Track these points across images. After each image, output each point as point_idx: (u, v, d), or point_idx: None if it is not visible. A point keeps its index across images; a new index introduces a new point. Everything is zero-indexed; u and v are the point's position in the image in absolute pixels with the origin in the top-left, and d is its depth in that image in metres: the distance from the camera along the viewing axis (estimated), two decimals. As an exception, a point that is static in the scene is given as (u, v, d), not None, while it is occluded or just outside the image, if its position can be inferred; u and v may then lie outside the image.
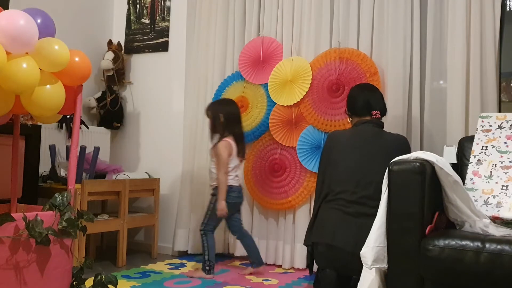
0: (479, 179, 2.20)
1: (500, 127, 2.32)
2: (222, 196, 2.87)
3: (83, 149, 2.92)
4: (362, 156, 2.41)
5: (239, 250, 3.33)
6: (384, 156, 2.22)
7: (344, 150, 2.47)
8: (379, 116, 2.55)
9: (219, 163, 2.88)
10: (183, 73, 3.68)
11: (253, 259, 3.00)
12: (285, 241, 3.17)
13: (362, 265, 1.97)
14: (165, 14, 3.79)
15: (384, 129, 2.55)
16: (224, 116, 2.95)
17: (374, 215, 1.99)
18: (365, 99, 2.55)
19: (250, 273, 2.97)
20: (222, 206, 2.87)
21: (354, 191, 2.35)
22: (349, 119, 2.64)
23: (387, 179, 1.95)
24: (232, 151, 2.92)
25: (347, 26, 3.09)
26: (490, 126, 2.35)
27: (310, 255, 2.48)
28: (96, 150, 3.04)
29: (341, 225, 2.32)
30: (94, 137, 3.53)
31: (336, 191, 2.40)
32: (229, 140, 2.92)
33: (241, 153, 2.98)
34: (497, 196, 2.11)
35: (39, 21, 1.85)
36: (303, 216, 3.11)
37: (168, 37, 3.77)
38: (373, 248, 1.93)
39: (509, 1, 2.79)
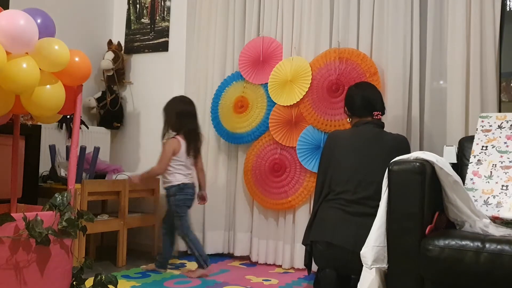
0: (479, 179, 2.20)
1: (500, 127, 2.32)
2: (144, 174, 3.03)
3: (83, 149, 2.92)
4: (363, 157, 2.41)
5: (239, 250, 3.34)
6: (385, 157, 2.22)
7: (345, 150, 2.46)
8: (380, 116, 2.55)
9: (160, 157, 2.96)
10: (183, 73, 3.68)
11: (163, 258, 3.04)
12: (285, 241, 3.17)
13: (362, 265, 1.97)
14: (165, 14, 3.79)
15: (384, 129, 2.55)
16: (176, 114, 2.99)
17: (374, 215, 1.99)
18: (365, 100, 2.55)
19: (152, 269, 3.03)
20: (136, 179, 3.03)
21: (355, 191, 2.35)
22: (349, 119, 2.64)
23: (387, 179, 1.95)
24: (179, 149, 2.95)
25: (347, 26, 3.09)
26: (490, 126, 2.35)
27: (309, 254, 2.48)
28: (96, 150, 3.04)
29: (341, 224, 2.32)
30: (94, 137, 3.53)
31: (336, 191, 2.40)
32: (179, 138, 2.96)
33: (191, 151, 2.98)
34: (497, 196, 2.12)
35: (39, 21, 1.84)
36: (303, 216, 3.11)
37: (168, 37, 3.77)
38: (373, 248, 1.93)
39: (509, 1, 2.79)
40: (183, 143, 2.96)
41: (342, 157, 2.45)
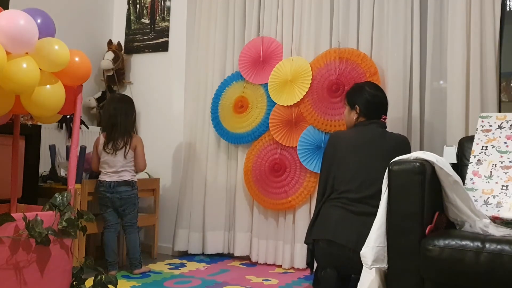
0: (479, 179, 2.20)
1: (500, 127, 2.32)
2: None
3: (83, 149, 2.92)
4: (366, 157, 2.41)
5: (239, 250, 3.34)
6: (387, 157, 2.20)
7: (348, 150, 2.47)
8: (386, 119, 2.56)
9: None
10: (183, 73, 3.68)
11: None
12: (285, 241, 3.16)
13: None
14: (165, 14, 3.79)
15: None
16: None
17: (376, 214, 1.99)
18: (379, 104, 2.55)
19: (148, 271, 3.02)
20: None
21: (357, 190, 2.36)
22: (349, 114, 2.60)
23: (387, 179, 1.95)
24: (98, 145, 2.98)
25: (347, 26, 3.09)
26: (490, 126, 2.35)
27: (311, 253, 2.48)
28: (96, 150, 3.04)
29: (343, 222, 2.32)
30: (94, 137, 3.51)
31: (339, 190, 2.41)
32: (101, 136, 3.02)
33: (107, 145, 2.93)
34: (497, 196, 2.11)
35: (39, 21, 1.85)
36: (303, 216, 3.11)
37: (168, 37, 3.77)
38: (373, 248, 1.93)
39: (509, 1, 2.79)
40: (101, 139, 2.97)
41: (345, 157, 2.45)
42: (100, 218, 2.98)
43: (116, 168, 2.92)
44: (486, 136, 2.33)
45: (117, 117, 2.93)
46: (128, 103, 3.06)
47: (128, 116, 2.98)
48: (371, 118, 2.53)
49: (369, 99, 2.57)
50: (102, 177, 2.93)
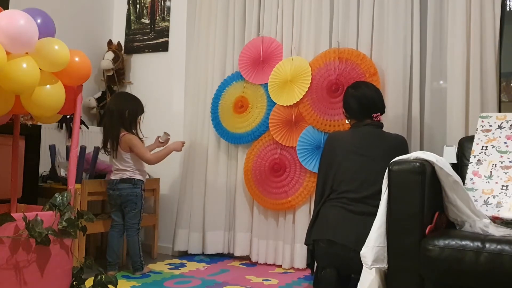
0: (479, 179, 2.21)
1: (500, 127, 2.32)
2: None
3: (83, 149, 2.92)
4: (364, 157, 2.41)
5: (239, 250, 3.34)
6: (386, 157, 2.21)
7: (346, 151, 2.47)
8: (380, 117, 2.55)
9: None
10: (183, 73, 3.68)
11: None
12: (285, 241, 3.17)
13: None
14: (165, 14, 3.79)
15: (384, 129, 2.55)
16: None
17: (375, 214, 1.99)
18: (362, 103, 2.53)
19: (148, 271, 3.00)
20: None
21: (357, 190, 2.36)
22: (347, 121, 2.64)
23: (387, 179, 1.96)
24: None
25: (347, 26, 3.09)
26: (490, 126, 2.35)
27: (311, 254, 2.48)
28: (96, 150, 3.04)
29: (343, 222, 2.33)
30: (94, 137, 3.53)
31: (339, 191, 2.41)
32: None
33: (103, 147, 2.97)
34: (497, 196, 2.12)
35: (39, 21, 1.85)
36: (303, 216, 3.11)
37: (168, 37, 3.77)
38: (373, 248, 1.93)
39: (509, 1, 2.79)
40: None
41: (344, 158, 2.45)
42: (103, 217, 3.02)
43: (118, 166, 2.94)
44: (486, 136, 2.33)
45: (105, 117, 2.96)
46: (120, 97, 3.04)
47: (114, 114, 2.89)
48: (360, 119, 2.54)
49: (348, 101, 2.59)
50: (111, 176, 2.97)
